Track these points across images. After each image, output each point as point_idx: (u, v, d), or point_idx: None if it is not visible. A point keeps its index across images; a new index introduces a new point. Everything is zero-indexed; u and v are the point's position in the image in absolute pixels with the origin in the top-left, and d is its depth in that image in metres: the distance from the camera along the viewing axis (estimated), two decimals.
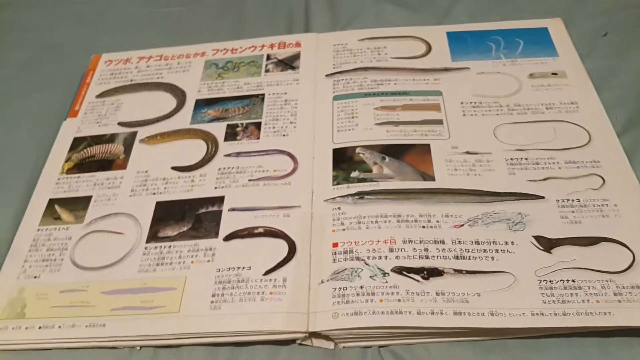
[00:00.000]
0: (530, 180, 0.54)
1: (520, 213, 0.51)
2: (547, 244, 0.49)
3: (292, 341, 0.48)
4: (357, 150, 0.58)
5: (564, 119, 0.59)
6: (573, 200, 0.52)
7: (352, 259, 0.50)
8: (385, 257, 0.50)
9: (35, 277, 0.53)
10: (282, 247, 0.52)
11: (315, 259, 0.51)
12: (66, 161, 0.63)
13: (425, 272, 0.48)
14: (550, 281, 0.47)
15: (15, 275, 0.54)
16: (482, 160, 0.56)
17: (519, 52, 0.66)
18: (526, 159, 0.56)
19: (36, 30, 0.81)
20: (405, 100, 0.63)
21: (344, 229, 0.52)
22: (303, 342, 0.48)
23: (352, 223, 0.52)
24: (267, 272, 0.51)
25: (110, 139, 0.64)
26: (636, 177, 0.54)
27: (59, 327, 0.49)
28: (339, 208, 0.54)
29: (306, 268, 0.51)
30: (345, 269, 0.49)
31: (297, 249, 0.52)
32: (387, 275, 0.48)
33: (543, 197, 0.52)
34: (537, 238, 0.50)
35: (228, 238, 0.54)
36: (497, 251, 0.49)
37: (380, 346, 0.48)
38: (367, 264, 0.49)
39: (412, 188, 0.54)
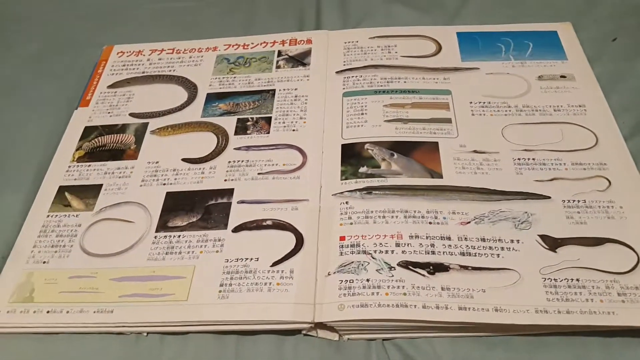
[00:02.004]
0: (537, 181, 0.54)
1: (526, 212, 0.52)
2: (553, 243, 0.50)
3: (297, 331, 0.49)
4: (366, 146, 0.59)
5: (571, 121, 0.59)
6: (579, 201, 0.53)
7: (358, 253, 0.50)
8: (392, 252, 0.50)
9: (44, 262, 0.54)
10: (290, 240, 0.53)
11: (322, 252, 0.52)
12: (77, 149, 0.63)
13: (431, 267, 0.49)
14: (554, 279, 0.47)
15: (24, 260, 0.54)
16: (489, 159, 0.57)
17: (528, 54, 0.67)
18: (533, 159, 0.56)
19: (50, 22, 0.82)
20: (415, 98, 0.63)
21: (351, 223, 0.53)
22: (308, 333, 0.49)
23: (360, 217, 0.53)
24: (275, 264, 0.51)
25: (122, 129, 0.65)
26: None
27: (67, 312, 0.50)
28: (346, 202, 0.54)
29: (313, 260, 0.51)
30: (352, 262, 0.50)
31: (305, 242, 0.52)
32: (393, 269, 0.49)
33: (549, 197, 0.53)
34: (543, 237, 0.50)
35: (237, 230, 0.54)
36: (502, 249, 0.50)
37: (384, 339, 0.49)
38: (373, 258, 0.50)
39: (419, 185, 0.55)
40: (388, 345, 0.48)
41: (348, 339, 0.49)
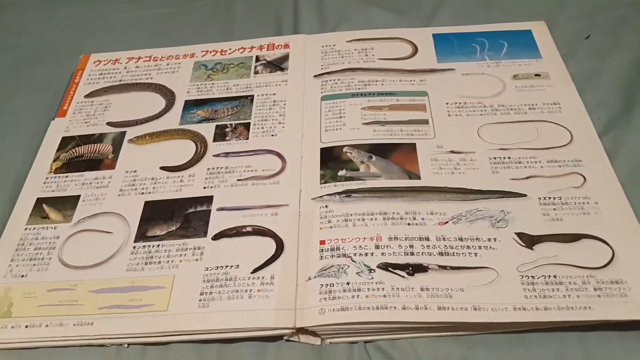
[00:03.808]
0: (513, 179, 0.55)
1: (502, 210, 0.52)
2: (529, 241, 0.50)
3: (279, 337, 0.49)
4: (345, 149, 0.59)
5: (546, 119, 0.60)
6: (555, 198, 0.53)
7: (338, 256, 0.51)
8: (372, 254, 0.50)
9: (22, 276, 0.53)
10: (270, 245, 0.53)
11: (302, 257, 0.52)
12: (54, 160, 0.63)
13: (410, 268, 0.49)
14: (532, 276, 0.48)
15: (2, 274, 0.54)
16: (466, 159, 0.57)
17: (503, 53, 0.68)
18: (509, 158, 0.57)
19: (26, 31, 0.82)
20: (392, 101, 0.64)
21: (331, 227, 0.53)
22: (290, 339, 0.49)
23: (339, 221, 0.53)
24: (255, 270, 0.51)
25: (99, 138, 0.64)
26: (616, 176, 0.55)
27: (46, 325, 0.50)
28: (326, 206, 0.55)
29: (294, 265, 0.51)
30: (332, 266, 0.50)
31: (285, 247, 0.52)
32: (373, 271, 0.49)
33: (525, 195, 0.53)
34: (519, 235, 0.51)
35: (216, 237, 0.54)
36: (480, 247, 0.50)
37: (366, 342, 0.49)
38: (353, 261, 0.50)
39: (398, 186, 0.55)
40: (370, 348, 0.48)
41: (330, 342, 0.49)
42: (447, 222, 0.52)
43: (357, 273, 0.49)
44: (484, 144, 0.58)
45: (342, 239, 0.52)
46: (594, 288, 0.47)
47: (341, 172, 0.57)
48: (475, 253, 0.50)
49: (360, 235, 0.52)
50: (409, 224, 0.52)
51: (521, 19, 0.72)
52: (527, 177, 0.55)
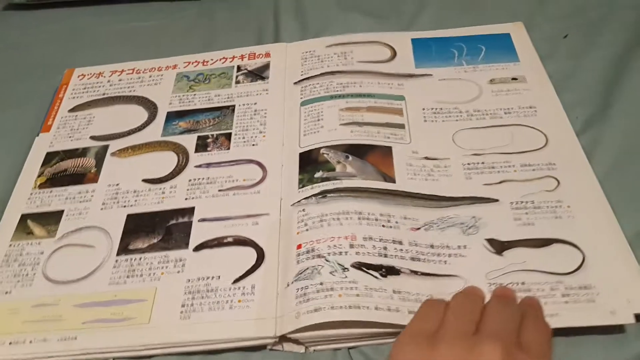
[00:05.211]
0: (486, 184, 0.55)
1: (474, 217, 0.53)
2: (499, 247, 0.50)
3: (263, 347, 0.49)
4: (322, 150, 0.59)
5: (521, 123, 0.60)
6: (527, 202, 0.53)
7: (313, 257, 0.51)
8: (346, 253, 0.50)
9: (6, 292, 0.54)
10: (251, 255, 0.53)
11: (282, 264, 0.52)
12: (39, 176, 0.63)
13: (383, 270, 0.49)
14: (500, 284, 0.48)
15: None
16: (440, 166, 0.57)
17: (480, 58, 0.68)
18: (482, 163, 0.57)
19: (10, 47, 0.83)
20: (370, 102, 0.64)
21: (307, 229, 0.53)
22: (274, 348, 0.49)
23: (315, 222, 0.53)
24: (236, 281, 0.52)
25: (82, 152, 0.65)
26: (594, 175, 0.55)
27: (30, 342, 0.50)
28: (303, 210, 0.55)
29: (274, 274, 0.52)
30: (307, 268, 0.50)
31: (266, 256, 0.53)
32: (346, 270, 0.49)
33: (497, 200, 0.54)
34: (490, 241, 0.51)
35: (198, 248, 0.55)
36: (449, 255, 0.50)
37: (349, 348, 0.49)
38: (327, 260, 0.50)
39: (373, 187, 0.55)
40: (354, 354, 0.49)
41: (314, 350, 0.49)
42: (419, 228, 0.52)
43: (330, 272, 0.49)
44: (458, 149, 0.59)
45: (316, 240, 0.52)
46: (562, 294, 0.47)
47: (318, 174, 0.57)
48: (445, 261, 0.50)
49: (335, 235, 0.52)
50: (383, 226, 0.52)
51: (501, 21, 0.72)
52: (500, 182, 0.55)
